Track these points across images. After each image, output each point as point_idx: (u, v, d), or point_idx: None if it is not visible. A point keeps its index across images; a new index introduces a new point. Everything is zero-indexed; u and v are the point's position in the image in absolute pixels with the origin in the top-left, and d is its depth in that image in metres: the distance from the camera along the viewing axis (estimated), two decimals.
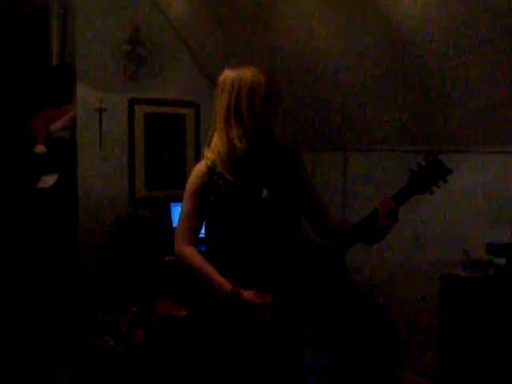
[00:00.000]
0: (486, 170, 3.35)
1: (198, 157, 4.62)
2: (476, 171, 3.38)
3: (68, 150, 4.13)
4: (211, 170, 2.14)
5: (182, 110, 4.53)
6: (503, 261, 3.07)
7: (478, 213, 3.38)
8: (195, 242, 2.16)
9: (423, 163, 2.08)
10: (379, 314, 3.76)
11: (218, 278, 2.05)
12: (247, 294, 2.00)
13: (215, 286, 2.05)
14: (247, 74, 2.10)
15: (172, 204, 4.17)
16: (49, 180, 4.10)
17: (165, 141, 4.46)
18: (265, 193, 2.14)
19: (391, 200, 2.08)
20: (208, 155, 2.17)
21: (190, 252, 2.12)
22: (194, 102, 4.58)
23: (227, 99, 2.10)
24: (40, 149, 4.08)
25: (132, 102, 4.28)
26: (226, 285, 2.03)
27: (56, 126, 4.09)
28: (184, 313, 3.53)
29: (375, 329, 3.71)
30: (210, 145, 2.18)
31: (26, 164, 4.27)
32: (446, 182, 2.08)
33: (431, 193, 2.09)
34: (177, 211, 4.18)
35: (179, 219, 2.18)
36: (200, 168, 2.17)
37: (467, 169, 3.42)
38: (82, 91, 4.07)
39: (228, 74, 2.14)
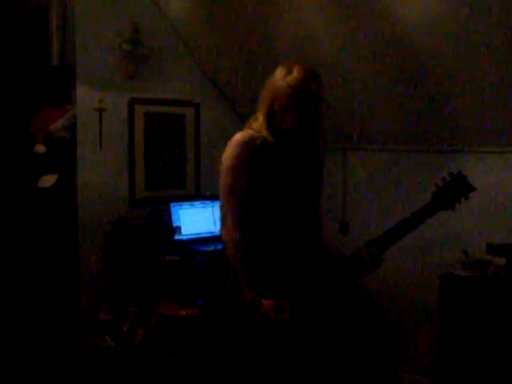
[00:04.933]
0: (485, 170, 3.35)
1: (198, 156, 4.62)
2: (476, 171, 3.38)
3: (68, 149, 4.12)
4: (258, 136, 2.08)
5: (181, 110, 4.52)
6: (503, 261, 3.07)
7: (478, 213, 3.38)
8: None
9: (448, 178, 2.11)
10: (379, 313, 3.76)
11: (246, 281, 2.00)
12: (265, 306, 1.96)
13: (241, 285, 2.01)
14: (279, 75, 2.07)
15: (172, 204, 4.17)
16: (49, 180, 4.09)
17: (165, 140, 4.45)
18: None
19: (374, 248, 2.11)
20: (253, 126, 2.13)
21: (239, 240, 2.03)
22: (194, 102, 4.58)
23: (264, 92, 2.11)
24: (40, 149, 4.07)
25: (132, 102, 4.27)
26: (249, 292, 1.99)
27: (56, 125, 4.09)
28: (184, 312, 3.54)
29: (375, 328, 3.71)
30: (255, 120, 2.15)
31: (25, 164, 4.27)
32: (467, 198, 2.12)
33: (453, 209, 2.13)
34: (177, 211, 4.19)
35: (226, 198, 2.09)
36: (247, 133, 2.10)
37: (467, 169, 3.41)
38: (81, 91, 4.07)
39: (277, 70, 2.11)
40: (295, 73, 2.05)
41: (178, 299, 3.65)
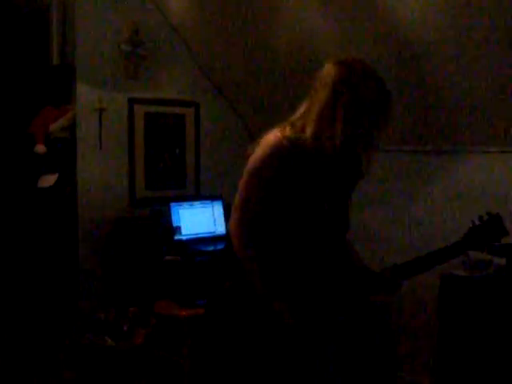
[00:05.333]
0: (486, 170, 3.35)
1: (198, 156, 4.62)
2: (476, 171, 3.38)
3: (68, 149, 4.12)
4: (292, 143, 1.89)
5: (181, 110, 4.53)
6: (503, 261, 3.07)
7: (477, 212, 3.37)
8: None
9: (485, 217, 2.02)
10: (379, 313, 3.76)
11: (259, 276, 1.91)
12: (279, 306, 1.91)
13: (253, 281, 1.93)
14: (358, 76, 1.89)
15: (172, 204, 4.17)
16: (49, 180, 4.10)
17: (165, 141, 4.45)
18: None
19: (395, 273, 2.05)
20: (293, 129, 1.93)
21: (245, 239, 1.92)
22: (194, 102, 4.58)
23: (327, 95, 1.91)
24: (40, 149, 4.08)
25: (132, 102, 4.27)
26: (264, 288, 1.92)
27: (56, 125, 4.09)
28: (184, 313, 3.53)
29: (375, 329, 3.71)
30: (292, 125, 1.96)
31: (25, 164, 4.27)
32: (499, 242, 2.03)
33: (483, 251, 2.07)
34: (177, 211, 4.19)
35: (242, 200, 1.93)
36: (283, 136, 1.90)
37: (467, 169, 3.42)
38: (81, 91, 4.07)
39: (332, 70, 1.93)
40: (372, 74, 1.92)
41: (178, 299, 3.65)
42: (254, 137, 5.14)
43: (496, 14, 2.76)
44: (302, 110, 1.99)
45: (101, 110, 4.12)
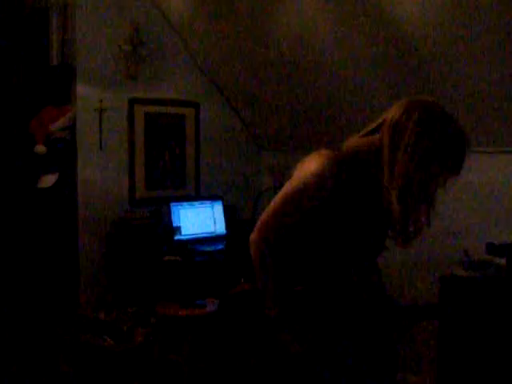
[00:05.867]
0: (486, 170, 3.35)
1: (197, 156, 4.62)
2: (476, 171, 3.38)
3: (68, 150, 4.12)
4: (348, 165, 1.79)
5: (181, 110, 4.53)
6: (503, 261, 3.07)
7: (478, 213, 3.38)
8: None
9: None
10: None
11: (272, 294, 1.86)
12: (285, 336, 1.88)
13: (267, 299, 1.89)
14: (435, 128, 1.80)
15: (172, 204, 4.17)
16: (49, 180, 4.09)
17: (165, 140, 4.45)
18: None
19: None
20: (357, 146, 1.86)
21: (271, 259, 1.86)
22: (194, 102, 4.58)
23: (400, 148, 1.79)
24: (40, 149, 4.07)
25: (132, 102, 4.27)
26: (273, 305, 1.87)
27: (56, 126, 4.09)
28: (184, 312, 3.53)
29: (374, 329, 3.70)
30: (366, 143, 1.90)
31: (25, 164, 4.27)
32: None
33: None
34: (177, 211, 4.19)
35: (274, 212, 1.84)
36: (339, 159, 1.81)
37: (467, 169, 3.41)
38: (82, 91, 4.07)
39: (403, 115, 1.82)
40: (450, 122, 1.87)
41: (178, 299, 3.65)
42: (254, 137, 5.15)
43: (496, 13, 2.76)
44: (357, 145, 1.92)
45: (101, 110, 4.12)
